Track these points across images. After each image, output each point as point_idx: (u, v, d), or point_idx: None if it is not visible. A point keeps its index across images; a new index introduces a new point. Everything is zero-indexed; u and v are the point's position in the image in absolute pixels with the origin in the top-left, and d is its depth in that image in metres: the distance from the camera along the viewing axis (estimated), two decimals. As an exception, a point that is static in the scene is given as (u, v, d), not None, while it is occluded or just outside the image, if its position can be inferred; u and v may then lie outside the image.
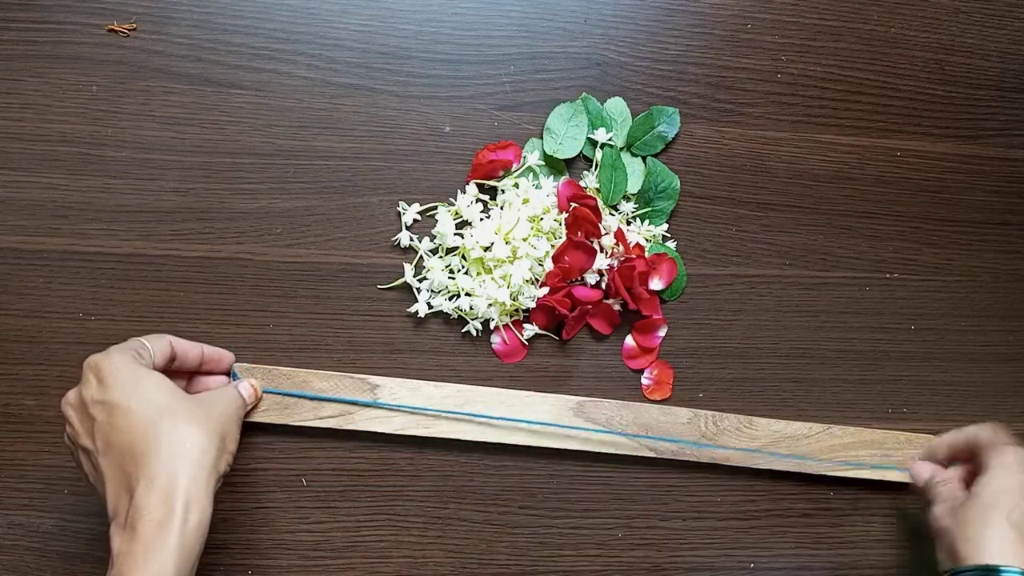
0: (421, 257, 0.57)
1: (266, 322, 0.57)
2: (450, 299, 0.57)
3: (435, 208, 0.58)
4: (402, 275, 0.57)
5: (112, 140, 0.56)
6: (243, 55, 0.57)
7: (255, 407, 0.54)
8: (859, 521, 0.63)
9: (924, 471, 0.59)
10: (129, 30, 0.56)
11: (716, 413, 0.59)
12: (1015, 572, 0.50)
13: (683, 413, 0.59)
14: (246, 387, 0.53)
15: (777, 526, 0.61)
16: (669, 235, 0.61)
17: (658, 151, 0.61)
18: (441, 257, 0.58)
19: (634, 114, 0.61)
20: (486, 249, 0.57)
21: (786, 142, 0.63)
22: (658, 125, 0.61)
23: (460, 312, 0.57)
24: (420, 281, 0.57)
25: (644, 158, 0.61)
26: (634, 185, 0.60)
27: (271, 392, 0.54)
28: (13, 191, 0.55)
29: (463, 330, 0.58)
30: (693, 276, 0.61)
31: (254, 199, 0.57)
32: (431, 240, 0.57)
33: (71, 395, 0.46)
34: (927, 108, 0.65)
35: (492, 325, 0.58)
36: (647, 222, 0.61)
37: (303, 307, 0.57)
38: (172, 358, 0.50)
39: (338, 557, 0.57)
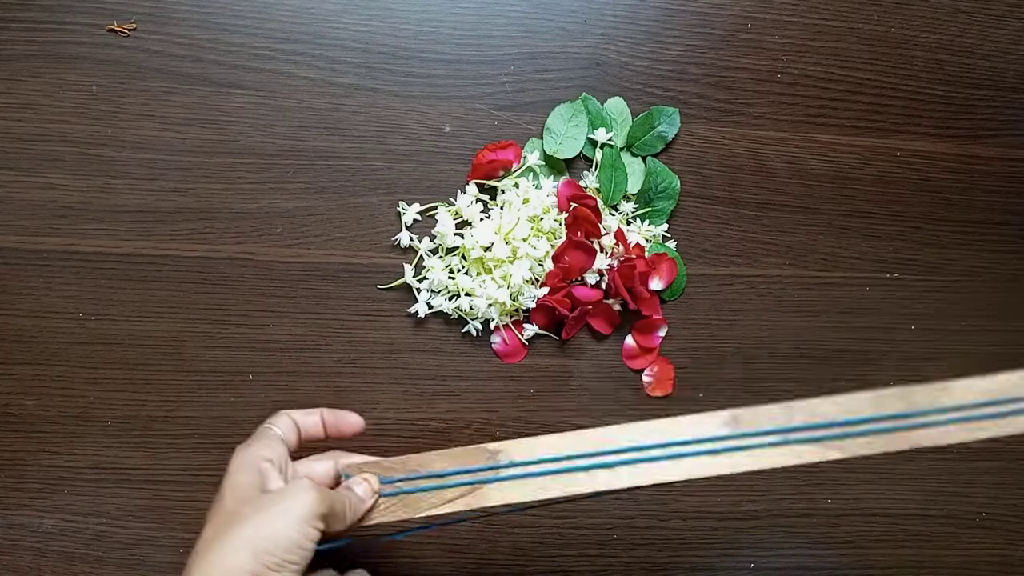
0: (421, 257, 0.58)
1: (266, 322, 0.57)
2: (450, 299, 0.57)
3: (435, 208, 0.58)
4: (402, 275, 0.57)
5: (112, 140, 0.56)
6: (243, 55, 0.57)
7: (374, 506, 0.47)
8: (859, 521, 0.63)
9: None
10: (129, 30, 0.56)
11: (904, 388, 0.47)
12: None
13: (863, 397, 0.47)
14: (359, 485, 0.47)
15: (777, 526, 0.62)
16: (669, 235, 0.61)
17: (658, 151, 0.61)
18: (441, 257, 0.58)
19: (634, 114, 0.61)
20: (486, 249, 0.57)
21: (786, 142, 0.63)
22: (658, 125, 0.61)
23: (460, 312, 0.57)
24: (420, 281, 0.57)
25: (644, 158, 0.61)
26: (634, 185, 0.60)
27: (388, 482, 0.48)
28: (13, 191, 0.55)
29: (463, 330, 0.58)
30: (693, 276, 0.61)
31: (254, 199, 0.57)
32: (431, 240, 0.57)
33: None
34: (927, 108, 0.65)
35: (492, 325, 0.58)
36: (647, 222, 0.61)
37: (303, 307, 0.57)
38: (297, 431, 0.49)
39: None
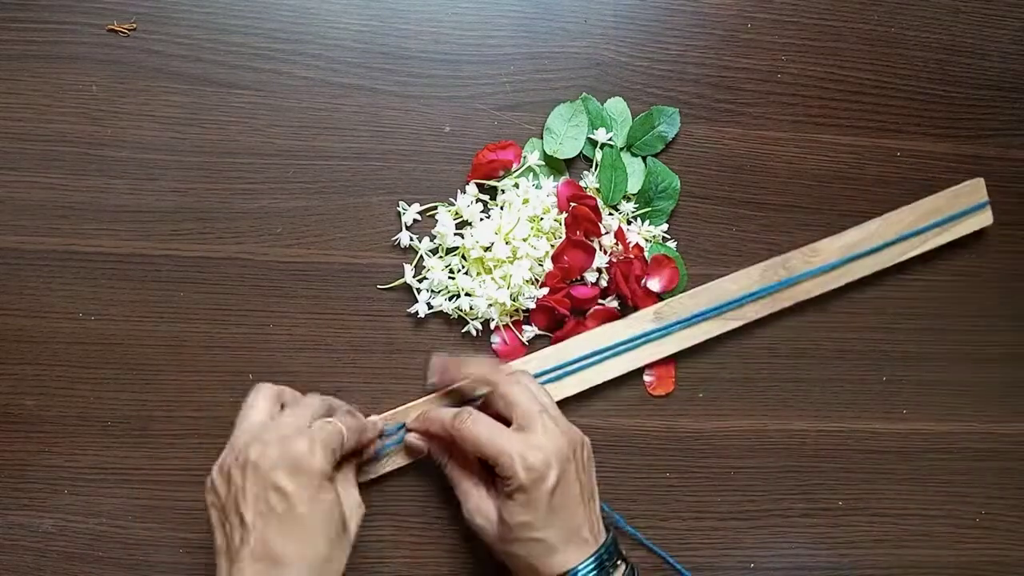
0: (421, 257, 0.58)
1: (266, 322, 0.57)
2: (450, 299, 0.57)
3: (435, 208, 0.58)
4: (402, 275, 0.57)
5: (112, 140, 0.56)
6: (243, 55, 0.57)
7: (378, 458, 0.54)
8: (859, 521, 0.63)
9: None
10: (129, 30, 0.56)
11: (782, 256, 0.60)
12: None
13: (754, 271, 0.59)
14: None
15: (777, 526, 0.62)
16: (669, 235, 0.61)
17: (658, 151, 0.61)
18: (441, 257, 0.58)
19: (634, 114, 0.61)
20: (486, 249, 0.57)
21: (786, 142, 0.63)
22: (658, 125, 0.61)
23: (460, 312, 0.57)
24: (420, 281, 0.57)
25: (644, 158, 0.61)
26: (634, 185, 0.60)
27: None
28: (13, 191, 0.55)
29: (463, 330, 0.58)
30: (693, 276, 0.61)
31: (254, 199, 0.57)
32: (431, 240, 0.58)
33: (245, 453, 0.44)
34: (927, 108, 0.65)
35: (492, 325, 0.58)
36: (647, 222, 0.61)
37: (303, 307, 0.57)
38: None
39: (338, 557, 0.57)
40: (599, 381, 0.58)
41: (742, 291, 0.59)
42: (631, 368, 0.58)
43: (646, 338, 0.58)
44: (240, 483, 0.44)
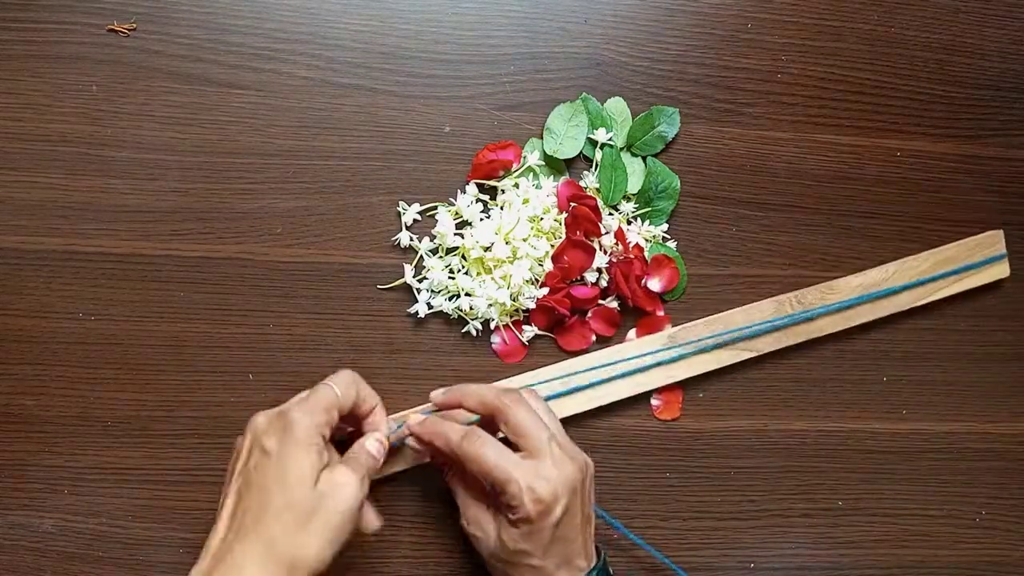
0: (421, 257, 0.58)
1: (266, 322, 0.57)
2: (450, 299, 0.57)
3: (435, 208, 0.58)
4: (402, 275, 0.57)
5: (112, 140, 0.56)
6: (243, 55, 0.57)
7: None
8: (859, 521, 0.63)
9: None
10: (129, 30, 0.56)
11: (797, 292, 0.60)
12: None
13: (766, 305, 0.60)
14: (373, 444, 0.50)
15: (777, 526, 0.62)
16: (669, 235, 0.61)
17: (658, 151, 0.61)
18: (441, 257, 0.58)
19: (634, 114, 0.61)
20: (486, 249, 0.57)
21: (786, 142, 0.63)
22: (658, 125, 0.61)
23: (460, 312, 0.57)
24: (420, 281, 0.57)
25: (644, 158, 0.61)
26: (634, 185, 0.60)
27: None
28: (13, 191, 0.55)
29: (463, 330, 0.58)
30: (693, 276, 0.61)
31: (254, 199, 0.57)
32: (431, 240, 0.58)
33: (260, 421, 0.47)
34: (927, 108, 0.65)
35: (492, 325, 0.58)
36: (647, 222, 0.61)
37: (303, 307, 0.57)
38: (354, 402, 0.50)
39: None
40: (607, 401, 0.58)
41: (757, 321, 0.59)
42: (639, 391, 0.59)
43: (656, 362, 0.58)
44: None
